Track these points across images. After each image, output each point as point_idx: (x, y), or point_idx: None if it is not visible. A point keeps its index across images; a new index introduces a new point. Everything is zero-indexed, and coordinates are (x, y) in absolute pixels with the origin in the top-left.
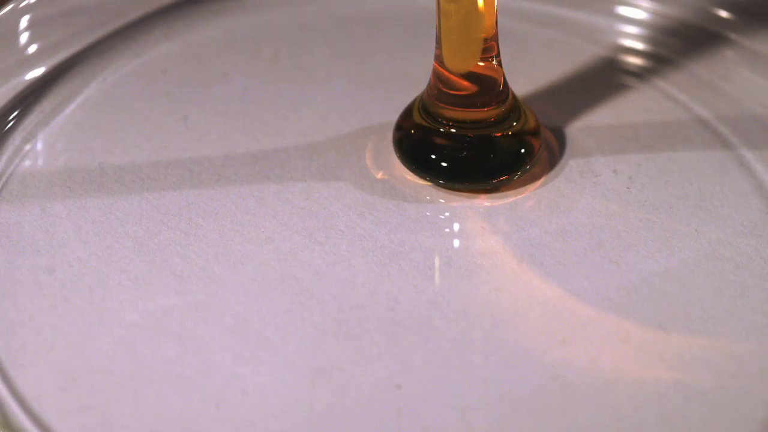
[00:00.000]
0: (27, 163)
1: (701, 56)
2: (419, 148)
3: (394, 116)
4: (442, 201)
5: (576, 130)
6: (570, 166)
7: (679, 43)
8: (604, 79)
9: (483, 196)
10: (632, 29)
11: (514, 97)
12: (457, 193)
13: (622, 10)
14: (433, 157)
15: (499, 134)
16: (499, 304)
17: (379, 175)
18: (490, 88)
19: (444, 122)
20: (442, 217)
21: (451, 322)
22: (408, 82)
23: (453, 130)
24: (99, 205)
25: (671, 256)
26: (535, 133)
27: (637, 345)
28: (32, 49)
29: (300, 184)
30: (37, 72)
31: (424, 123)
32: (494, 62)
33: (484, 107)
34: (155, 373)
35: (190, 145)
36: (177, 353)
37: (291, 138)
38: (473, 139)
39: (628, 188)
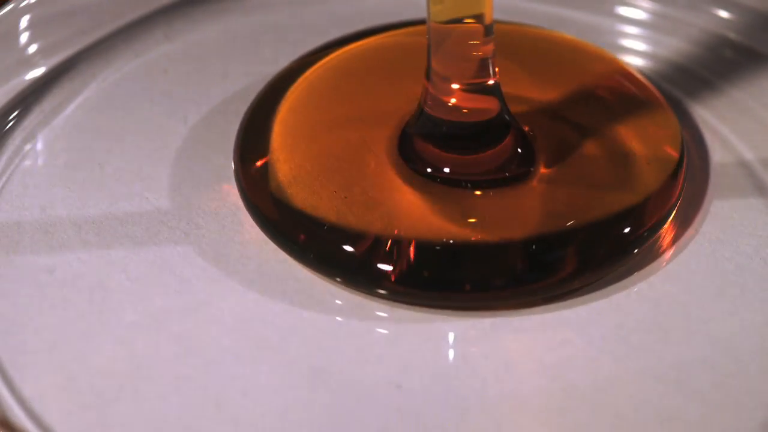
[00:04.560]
0: (27, 163)
1: (701, 56)
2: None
3: None
4: None
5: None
6: None
7: (679, 43)
8: None
9: None
10: (632, 29)
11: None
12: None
13: (622, 10)
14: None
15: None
16: (498, 305)
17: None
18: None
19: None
20: None
21: (451, 322)
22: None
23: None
24: (99, 205)
25: (671, 256)
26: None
27: (637, 345)
28: (32, 49)
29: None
30: (37, 72)
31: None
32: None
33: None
34: (155, 373)
35: (190, 145)
36: (177, 353)
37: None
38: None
39: None
